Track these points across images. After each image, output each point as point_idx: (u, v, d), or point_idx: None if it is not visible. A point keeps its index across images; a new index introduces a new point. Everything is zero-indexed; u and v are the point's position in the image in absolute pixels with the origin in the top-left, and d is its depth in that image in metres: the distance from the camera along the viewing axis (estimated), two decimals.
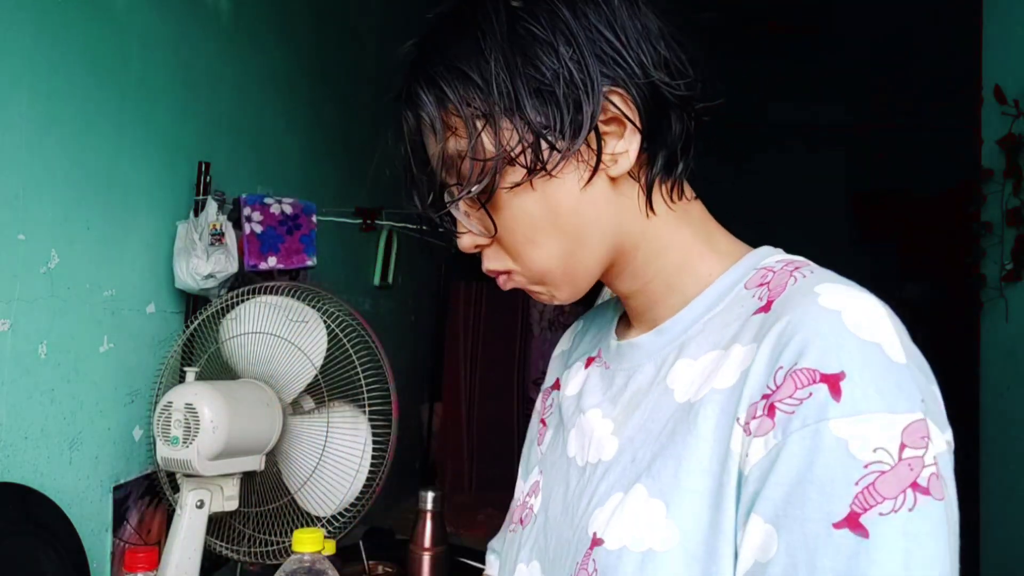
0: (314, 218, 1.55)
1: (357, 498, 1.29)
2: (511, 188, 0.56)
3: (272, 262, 1.49)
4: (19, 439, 1.10)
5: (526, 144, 0.55)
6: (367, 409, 1.30)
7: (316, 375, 1.29)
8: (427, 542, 1.43)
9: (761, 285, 0.56)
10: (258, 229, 1.49)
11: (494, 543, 0.84)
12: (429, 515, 1.44)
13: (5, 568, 1.03)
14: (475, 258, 0.65)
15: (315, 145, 2.14)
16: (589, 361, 0.72)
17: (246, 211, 1.49)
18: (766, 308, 0.54)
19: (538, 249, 0.59)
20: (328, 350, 1.30)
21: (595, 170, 0.56)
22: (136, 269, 1.35)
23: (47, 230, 1.14)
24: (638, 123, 0.56)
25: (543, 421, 0.77)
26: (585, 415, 0.66)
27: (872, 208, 4.30)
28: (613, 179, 0.58)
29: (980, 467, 2.10)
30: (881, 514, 0.44)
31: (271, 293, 1.36)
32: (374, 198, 2.12)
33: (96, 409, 1.26)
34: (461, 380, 3.39)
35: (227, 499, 1.22)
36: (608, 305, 0.75)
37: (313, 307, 1.34)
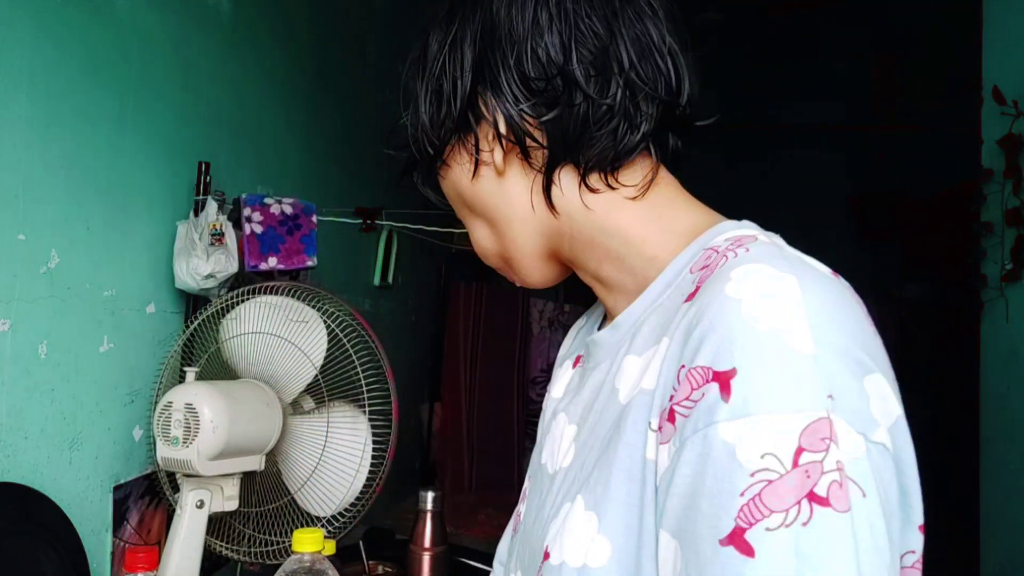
0: (314, 218, 1.55)
1: (357, 498, 1.29)
2: (428, 163, 0.63)
3: (272, 262, 1.49)
4: (19, 439, 1.10)
5: (417, 135, 0.61)
6: (367, 409, 1.30)
7: (316, 375, 1.29)
8: (427, 542, 1.43)
9: (703, 268, 0.51)
10: (258, 229, 1.49)
11: (499, 552, 0.83)
12: (429, 515, 1.44)
13: (5, 568, 1.03)
14: (475, 258, 0.67)
15: (315, 145, 2.14)
16: (577, 359, 0.71)
17: (246, 211, 1.49)
18: (693, 295, 0.49)
19: (471, 232, 0.65)
20: (328, 350, 1.30)
21: (476, 165, 0.60)
22: (136, 269, 1.35)
23: (47, 230, 1.14)
24: (500, 128, 0.57)
25: None
26: (556, 419, 0.65)
27: (872, 208, 4.30)
28: (500, 174, 0.60)
29: (980, 467, 2.10)
30: (768, 529, 0.39)
31: (271, 293, 1.36)
32: (374, 198, 2.12)
33: (96, 409, 1.26)
34: (461, 380, 3.39)
35: (227, 499, 1.22)
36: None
37: (313, 307, 1.34)
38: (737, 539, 0.40)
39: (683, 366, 0.45)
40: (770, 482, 0.40)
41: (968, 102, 2.24)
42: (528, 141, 0.57)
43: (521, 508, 0.69)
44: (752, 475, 0.40)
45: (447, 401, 3.36)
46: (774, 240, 0.52)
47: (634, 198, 0.58)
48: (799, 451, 0.40)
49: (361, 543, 1.55)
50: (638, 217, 0.58)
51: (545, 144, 0.57)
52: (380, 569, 1.57)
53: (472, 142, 0.59)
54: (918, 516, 0.46)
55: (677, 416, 0.45)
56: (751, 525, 0.39)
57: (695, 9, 3.59)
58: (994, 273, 2.05)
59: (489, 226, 0.63)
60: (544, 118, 0.56)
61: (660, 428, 0.47)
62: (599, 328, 0.68)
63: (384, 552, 1.63)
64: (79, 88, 1.20)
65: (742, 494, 0.40)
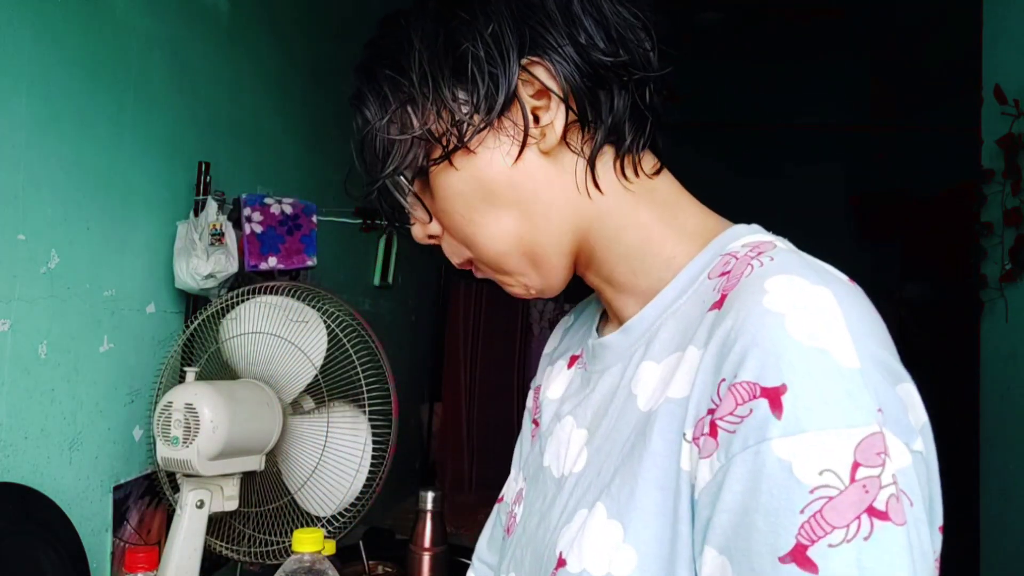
0: (314, 218, 1.55)
1: (357, 498, 1.29)
2: (436, 168, 0.56)
3: (272, 262, 1.49)
4: (19, 439, 1.10)
5: (443, 123, 0.55)
6: (367, 409, 1.30)
7: (316, 375, 1.29)
8: (427, 542, 1.43)
9: (723, 275, 0.51)
10: (258, 229, 1.49)
11: (479, 549, 0.83)
12: (429, 515, 1.44)
13: (5, 568, 1.03)
14: None
15: (315, 145, 2.14)
16: (573, 360, 0.70)
17: (246, 211, 1.49)
18: (719, 304, 0.49)
19: (481, 229, 0.57)
20: (328, 350, 1.30)
21: (523, 144, 0.55)
22: (136, 269, 1.35)
23: (47, 230, 1.14)
24: (561, 94, 0.54)
25: (536, 421, 0.75)
26: (561, 422, 0.64)
27: (873, 208, 4.30)
28: (546, 153, 0.56)
29: (980, 467, 2.10)
30: (831, 545, 0.39)
31: (271, 293, 1.36)
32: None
33: (96, 409, 1.26)
34: (461, 380, 3.39)
35: (227, 499, 1.22)
36: (594, 296, 0.72)
37: (313, 307, 1.34)
38: (799, 556, 0.40)
39: (723, 380, 0.45)
40: (830, 499, 0.40)
41: (968, 102, 2.24)
42: (590, 113, 0.55)
43: (516, 510, 0.68)
44: (812, 491, 0.40)
45: (447, 401, 3.36)
46: (790, 247, 0.53)
47: (643, 193, 0.58)
48: (856, 466, 0.40)
49: (361, 543, 1.55)
50: (656, 214, 0.58)
51: (610, 120, 0.55)
52: (380, 569, 1.57)
53: (518, 119, 0.55)
54: (939, 518, 0.47)
55: (720, 431, 0.44)
56: (813, 542, 0.40)
57: (695, 9, 3.59)
58: (994, 273, 2.05)
59: (514, 219, 0.57)
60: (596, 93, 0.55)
61: (696, 440, 0.46)
62: (599, 328, 0.67)
63: (384, 552, 1.63)
64: (79, 88, 1.20)
65: (802, 511, 0.40)
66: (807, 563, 0.40)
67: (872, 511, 0.40)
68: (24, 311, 1.10)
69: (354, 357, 1.30)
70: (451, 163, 0.56)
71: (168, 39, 1.42)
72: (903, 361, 0.46)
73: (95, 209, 1.24)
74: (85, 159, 1.22)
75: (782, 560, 0.40)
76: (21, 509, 1.08)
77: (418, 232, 0.62)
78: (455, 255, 0.62)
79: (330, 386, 1.30)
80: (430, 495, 1.44)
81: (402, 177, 0.58)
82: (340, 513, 1.29)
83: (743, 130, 4.33)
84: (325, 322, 1.31)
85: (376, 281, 2.41)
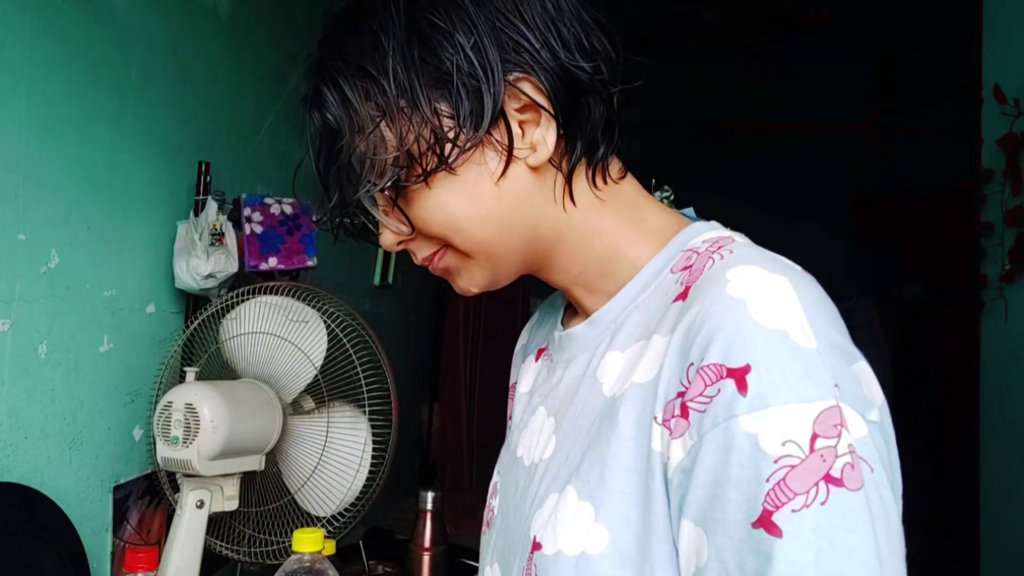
0: (314, 218, 1.54)
1: (357, 498, 1.29)
2: (417, 183, 0.54)
3: (272, 262, 1.49)
4: (19, 439, 1.10)
5: (423, 139, 0.52)
6: (367, 409, 1.30)
7: (316, 375, 1.29)
8: (427, 542, 1.43)
9: (685, 269, 0.54)
10: (258, 229, 1.49)
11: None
12: (429, 515, 1.44)
13: (5, 568, 1.03)
14: None
15: None
16: (540, 353, 0.71)
17: (246, 211, 1.49)
18: (683, 295, 0.52)
19: (458, 236, 0.57)
20: (328, 350, 1.30)
21: (508, 160, 0.54)
22: (136, 269, 1.35)
23: (47, 230, 1.14)
24: (551, 109, 0.54)
25: (510, 416, 0.76)
26: (535, 413, 0.66)
27: (873, 208, 4.29)
28: (534, 168, 0.56)
29: (980, 467, 2.10)
30: (793, 511, 0.42)
31: (271, 293, 1.36)
32: None
33: (96, 409, 1.26)
34: (461, 380, 3.39)
35: (227, 499, 1.22)
36: (559, 293, 0.73)
37: (313, 307, 1.34)
38: (766, 521, 0.43)
39: (691, 364, 0.47)
40: (792, 467, 0.43)
41: (968, 102, 2.24)
42: (574, 126, 0.55)
43: (493, 503, 0.69)
44: (776, 461, 0.43)
45: (447, 401, 3.36)
46: (748, 241, 0.55)
47: (610, 199, 0.59)
48: (814, 437, 0.43)
49: (361, 543, 1.55)
50: (623, 218, 0.59)
51: (588, 131, 0.56)
52: (380, 569, 1.57)
53: (504, 135, 0.54)
54: (899, 487, 0.49)
55: (691, 412, 0.47)
56: (778, 508, 0.43)
57: (695, 9, 3.59)
58: (994, 273, 2.05)
59: (491, 229, 0.57)
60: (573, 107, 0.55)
61: (667, 422, 0.48)
62: (564, 320, 0.68)
63: (384, 552, 1.63)
64: (79, 88, 1.19)
65: (768, 480, 0.43)
66: (773, 527, 0.43)
67: (828, 478, 0.43)
68: (24, 311, 1.10)
69: (354, 357, 1.30)
70: (427, 184, 0.54)
71: (168, 39, 1.42)
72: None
73: (95, 209, 1.24)
74: (85, 159, 1.22)
75: (754, 526, 0.43)
76: (21, 509, 1.08)
77: (389, 240, 0.60)
78: (427, 251, 0.60)
79: (330, 386, 1.30)
80: (430, 495, 1.44)
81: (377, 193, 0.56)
82: (340, 513, 1.29)
83: (743, 130, 4.32)
84: (325, 322, 1.31)
85: (376, 281, 2.41)
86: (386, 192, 0.55)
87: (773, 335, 0.45)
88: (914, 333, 3.63)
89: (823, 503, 0.42)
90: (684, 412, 0.47)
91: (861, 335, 3.52)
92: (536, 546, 0.55)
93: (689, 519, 0.47)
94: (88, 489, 1.24)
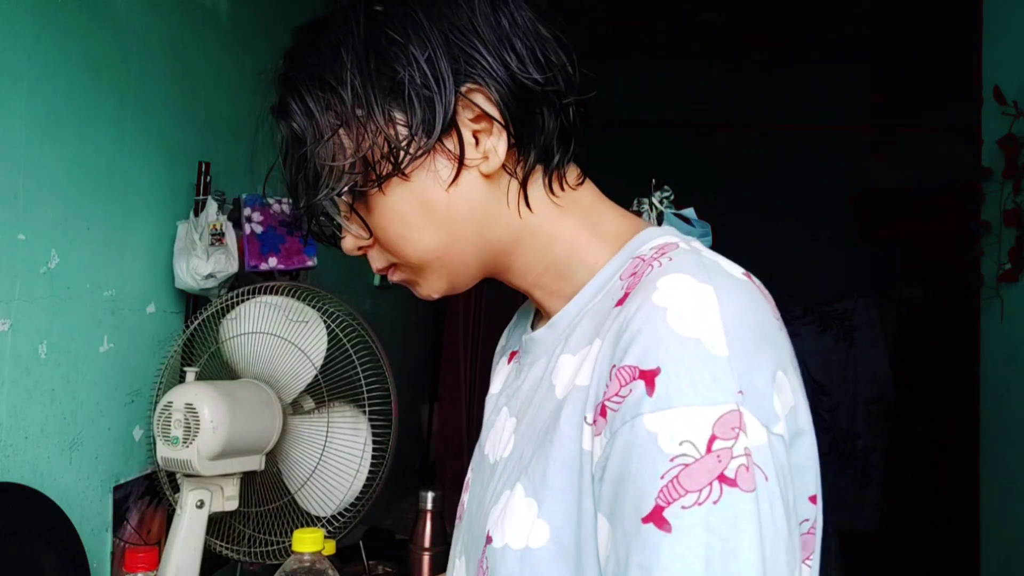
0: None
1: (357, 498, 1.29)
2: (372, 188, 0.57)
3: (272, 262, 1.49)
4: (19, 439, 1.10)
5: (378, 147, 0.55)
6: (367, 409, 1.30)
7: (316, 375, 1.29)
8: (427, 542, 1.43)
9: (632, 275, 0.56)
10: (258, 229, 1.49)
11: None
12: (429, 515, 1.44)
13: (5, 568, 1.03)
14: None
15: None
16: (512, 355, 0.74)
17: (246, 211, 1.49)
18: (622, 301, 0.54)
19: (411, 244, 0.60)
20: (328, 350, 1.30)
21: (460, 167, 0.57)
22: (136, 269, 1.35)
23: (47, 230, 1.14)
24: (501, 120, 0.56)
25: None
26: (500, 413, 0.68)
27: (873, 208, 4.29)
28: (487, 176, 0.58)
29: (980, 467, 2.10)
30: (684, 507, 0.44)
31: (271, 293, 1.36)
32: None
33: (96, 409, 1.26)
34: (461, 380, 3.38)
35: (227, 499, 1.22)
36: None
37: (313, 307, 1.34)
38: (656, 517, 0.45)
39: (614, 366, 0.50)
40: (686, 466, 0.45)
41: (968, 102, 2.24)
42: (525, 136, 0.57)
43: (464, 498, 0.72)
44: (671, 460, 0.45)
45: (447, 401, 3.35)
46: (693, 246, 0.56)
47: (568, 204, 0.61)
48: (712, 438, 0.45)
49: (361, 543, 1.55)
50: (581, 223, 0.61)
51: (542, 140, 0.58)
52: (380, 569, 1.57)
53: (455, 144, 0.56)
54: (810, 489, 0.53)
55: (608, 410, 0.49)
56: (669, 504, 0.44)
57: (692, 9, 3.59)
58: (993, 273, 2.05)
59: (444, 234, 0.59)
60: (529, 114, 0.57)
61: (594, 422, 0.51)
62: (533, 323, 0.71)
63: (384, 552, 1.63)
64: (79, 88, 1.20)
65: (662, 476, 0.45)
66: (663, 523, 0.44)
67: (723, 478, 0.44)
68: (24, 311, 1.10)
69: (354, 357, 1.30)
70: (382, 191, 0.57)
71: (168, 39, 1.42)
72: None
73: (95, 209, 1.24)
74: (85, 159, 1.22)
75: (643, 520, 0.45)
76: (21, 509, 1.08)
77: (349, 244, 0.63)
78: (382, 262, 0.63)
79: (330, 386, 1.30)
80: (430, 495, 1.44)
81: (336, 197, 0.59)
82: (340, 513, 1.29)
83: (742, 131, 4.33)
84: (325, 322, 1.32)
85: (376, 281, 2.41)
86: (344, 197, 0.58)
87: (687, 342, 0.47)
88: (914, 333, 3.63)
89: (715, 502, 0.44)
90: (603, 412, 0.50)
91: (861, 335, 3.52)
92: (488, 539, 0.57)
93: (603, 513, 0.49)
94: (88, 489, 1.24)
